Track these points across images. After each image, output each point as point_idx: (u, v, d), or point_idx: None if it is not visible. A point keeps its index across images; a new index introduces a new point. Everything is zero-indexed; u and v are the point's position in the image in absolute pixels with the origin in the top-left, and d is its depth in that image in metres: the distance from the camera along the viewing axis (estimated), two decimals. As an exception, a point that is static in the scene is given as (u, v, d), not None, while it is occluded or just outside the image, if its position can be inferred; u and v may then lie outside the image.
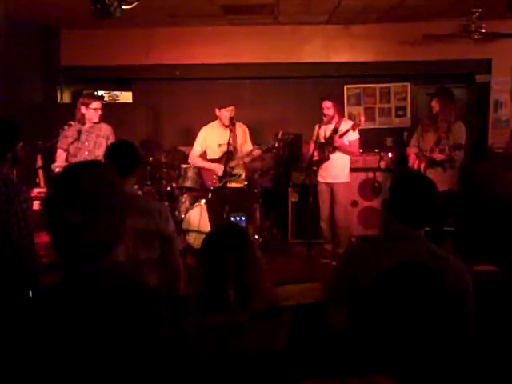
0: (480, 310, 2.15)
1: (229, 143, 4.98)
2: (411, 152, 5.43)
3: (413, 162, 5.33)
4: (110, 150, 2.98)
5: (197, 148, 5.40)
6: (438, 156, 5.10)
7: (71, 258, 1.26)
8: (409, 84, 7.44)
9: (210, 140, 5.31)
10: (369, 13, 6.23)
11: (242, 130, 5.34)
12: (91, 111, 4.91)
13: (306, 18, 6.56)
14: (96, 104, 4.95)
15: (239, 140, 5.28)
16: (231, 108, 5.17)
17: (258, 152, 5.25)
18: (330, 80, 7.19)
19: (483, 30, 5.65)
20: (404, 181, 2.26)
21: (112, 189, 1.31)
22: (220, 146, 5.21)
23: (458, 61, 6.95)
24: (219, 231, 1.98)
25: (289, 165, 6.46)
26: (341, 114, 5.61)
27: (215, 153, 5.26)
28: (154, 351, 1.20)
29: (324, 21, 6.75)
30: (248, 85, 7.27)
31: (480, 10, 5.47)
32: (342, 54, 7.05)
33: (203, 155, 5.42)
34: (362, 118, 5.42)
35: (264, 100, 7.18)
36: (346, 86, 7.45)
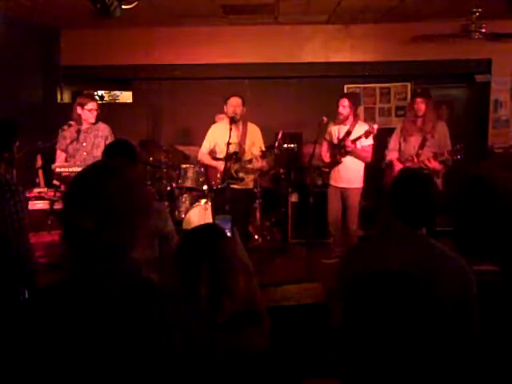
0: (480, 310, 2.15)
1: (229, 143, 4.89)
2: (393, 157, 5.27)
3: (399, 169, 5.18)
4: (108, 149, 2.98)
5: (205, 144, 5.27)
6: (434, 164, 4.96)
7: (84, 257, 1.26)
8: (409, 84, 7.45)
9: (219, 137, 5.15)
10: (369, 13, 6.24)
11: (253, 130, 5.19)
12: (86, 112, 4.89)
13: (305, 18, 6.56)
14: (91, 105, 4.91)
15: (249, 141, 5.13)
16: (234, 103, 5.01)
17: (260, 163, 5.05)
18: (330, 80, 7.19)
19: (483, 30, 5.65)
20: (404, 179, 2.25)
21: (134, 191, 1.29)
22: (229, 144, 5.04)
23: (458, 61, 6.96)
24: (195, 231, 1.97)
25: (289, 165, 6.45)
26: (357, 116, 5.43)
27: (223, 151, 5.02)
28: (159, 350, 1.19)
29: (324, 21, 6.75)
30: (248, 85, 7.27)
31: (480, 9, 5.46)
32: (342, 53, 7.05)
33: (214, 154, 5.32)
34: (375, 126, 5.18)
35: (264, 100, 7.17)
36: (345, 86, 7.44)
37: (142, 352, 1.19)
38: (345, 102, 5.24)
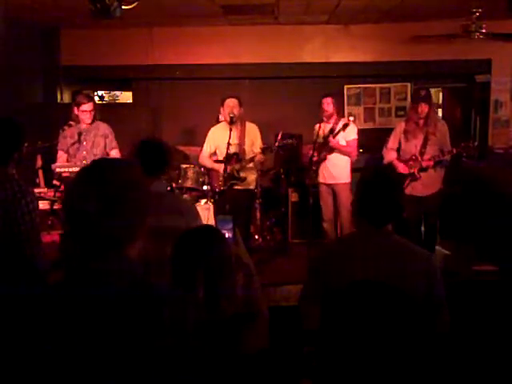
0: (480, 310, 2.16)
1: (229, 143, 4.89)
2: (393, 157, 5.26)
3: (403, 168, 5.11)
4: (140, 148, 2.94)
5: (206, 148, 5.29)
6: (445, 157, 5.05)
7: (84, 250, 1.27)
8: (409, 84, 7.45)
9: (219, 140, 5.15)
10: (369, 13, 6.24)
11: (252, 130, 5.21)
12: (81, 113, 4.91)
13: (305, 18, 6.56)
14: (87, 106, 4.90)
15: (248, 141, 5.15)
16: (231, 104, 5.03)
17: (260, 157, 5.11)
18: (330, 80, 7.19)
19: (483, 30, 5.65)
20: (364, 181, 2.30)
21: (136, 187, 1.32)
22: (229, 145, 5.05)
23: (457, 61, 6.96)
24: (190, 233, 1.97)
25: (289, 165, 6.45)
26: (339, 113, 5.62)
27: (224, 153, 4.99)
28: (153, 350, 1.20)
29: (324, 21, 6.75)
30: (248, 85, 7.27)
31: (480, 9, 5.46)
32: (342, 53, 7.06)
33: (215, 157, 5.32)
34: (351, 118, 5.44)
35: (264, 100, 7.17)
36: (346, 86, 7.45)
37: (137, 352, 1.19)
38: (328, 100, 5.41)
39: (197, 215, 2.99)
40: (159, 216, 2.65)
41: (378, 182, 2.21)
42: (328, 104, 5.39)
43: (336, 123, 5.42)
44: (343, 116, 5.88)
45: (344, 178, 5.44)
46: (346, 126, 5.30)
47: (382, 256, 2.12)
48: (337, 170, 5.43)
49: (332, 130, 5.37)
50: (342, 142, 5.37)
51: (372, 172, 2.43)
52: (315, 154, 5.43)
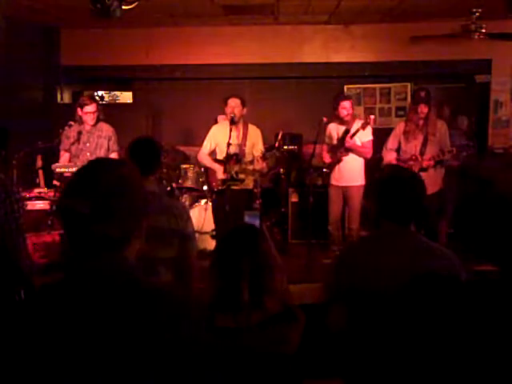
0: (480, 310, 2.16)
1: (229, 143, 4.88)
2: (392, 158, 5.27)
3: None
4: (132, 147, 2.86)
5: (206, 145, 5.25)
6: (446, 157, 5.06)
7: (79, 251, 1.27)
8: (409, 84, 7.46)
9: (220, 138, 5.13)
10: (369, 13, 6.24)
11: (254, 132, 5.18)
12: (85, 114, 4.91)
13: (306, 18, 6.56)
14: (90, 108, 4.91)
15: (249, 143, 5.12)
16: (233, 104, 5.01)
17: (260, 166, 5.05)
18: (329, 80, 7.19)
19: (483, 30, 5.65)
20: (388, 179, 2.28)
21: (131, 187, 1.32)
22: (229, 144, 4.99)
23: (458, 61, 6.96)
24: (234, 232, 1.97)
25: (289, 165, 6.45)
26: (354, 115, 5.50)
27: (224, 152, 4.98)
28: (151, 352, 1.19)
29: (324, 21, 6.75)
30: (248, 85, 7.27)
31: (480, 10, 5.46)
32: (342, 54, 7.06)
33: (215, 155, 5.31)
34: (372, 117, 5.30)
35: (264, 100, 7.17)
36: (346, 86, 7.45)
37: (136, 352, 1.18)
38: (348, 104, 5.31)
39: (188, 216, 2.92)
40: (152, 215, 2.63)
41: (401, 181, 2.20)
42: (348, 108, 5.29)
43: (351, 124, 5.32)
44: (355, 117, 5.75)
45: (359, 179, 5.35)
46: (366, 124, 5.19)
47: (407, 254, 2.10)
48: (352, 171, 5.34)
49: (347, 131, 5.27)
50: (358, 144, 5.29)
51: (390, 171, 2.40)
52: (327, 156, 5.41)
